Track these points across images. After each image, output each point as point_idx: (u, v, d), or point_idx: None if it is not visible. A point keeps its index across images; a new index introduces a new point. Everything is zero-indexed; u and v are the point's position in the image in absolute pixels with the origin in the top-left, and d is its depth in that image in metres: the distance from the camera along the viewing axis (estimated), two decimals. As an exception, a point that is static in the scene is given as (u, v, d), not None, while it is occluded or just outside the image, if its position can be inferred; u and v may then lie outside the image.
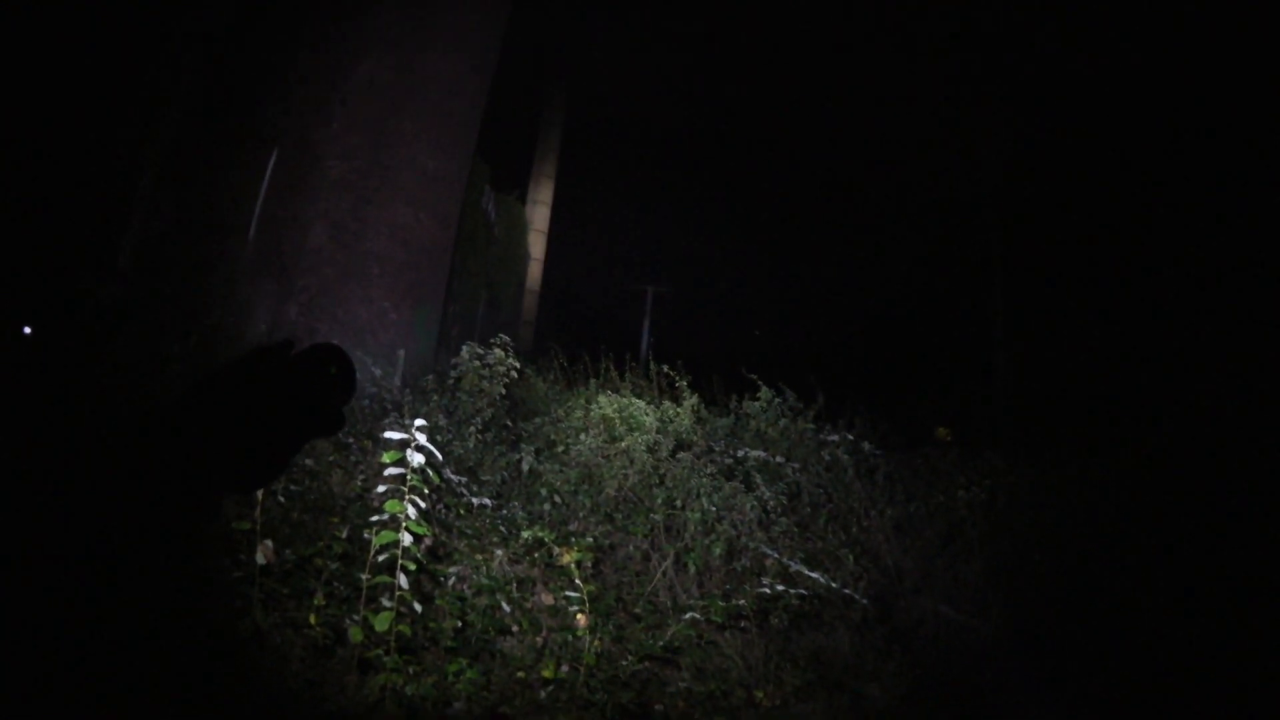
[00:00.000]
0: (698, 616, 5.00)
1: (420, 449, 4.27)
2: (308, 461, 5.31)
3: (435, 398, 6.98)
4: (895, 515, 6.27)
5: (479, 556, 5.12)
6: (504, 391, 7.13)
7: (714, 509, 5.94)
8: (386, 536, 4.04)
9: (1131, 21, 14.72)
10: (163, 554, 1.04)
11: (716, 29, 18.36)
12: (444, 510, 5.54)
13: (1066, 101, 16.29)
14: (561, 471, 6.33)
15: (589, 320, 19.99)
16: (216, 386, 1.11)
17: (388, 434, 4.41)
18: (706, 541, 5.79)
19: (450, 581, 4.85)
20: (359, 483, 5.44)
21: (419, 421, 4.38)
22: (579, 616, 4.38)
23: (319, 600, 4.11)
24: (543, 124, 18.74)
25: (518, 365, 7.31)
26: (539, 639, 4.66)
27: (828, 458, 6.77)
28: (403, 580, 4.03)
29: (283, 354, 1.17)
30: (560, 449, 6.64)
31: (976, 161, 17.88)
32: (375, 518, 4.19)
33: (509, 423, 7.26)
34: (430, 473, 4.38)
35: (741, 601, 5.17)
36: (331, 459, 5.58)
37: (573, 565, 4.63)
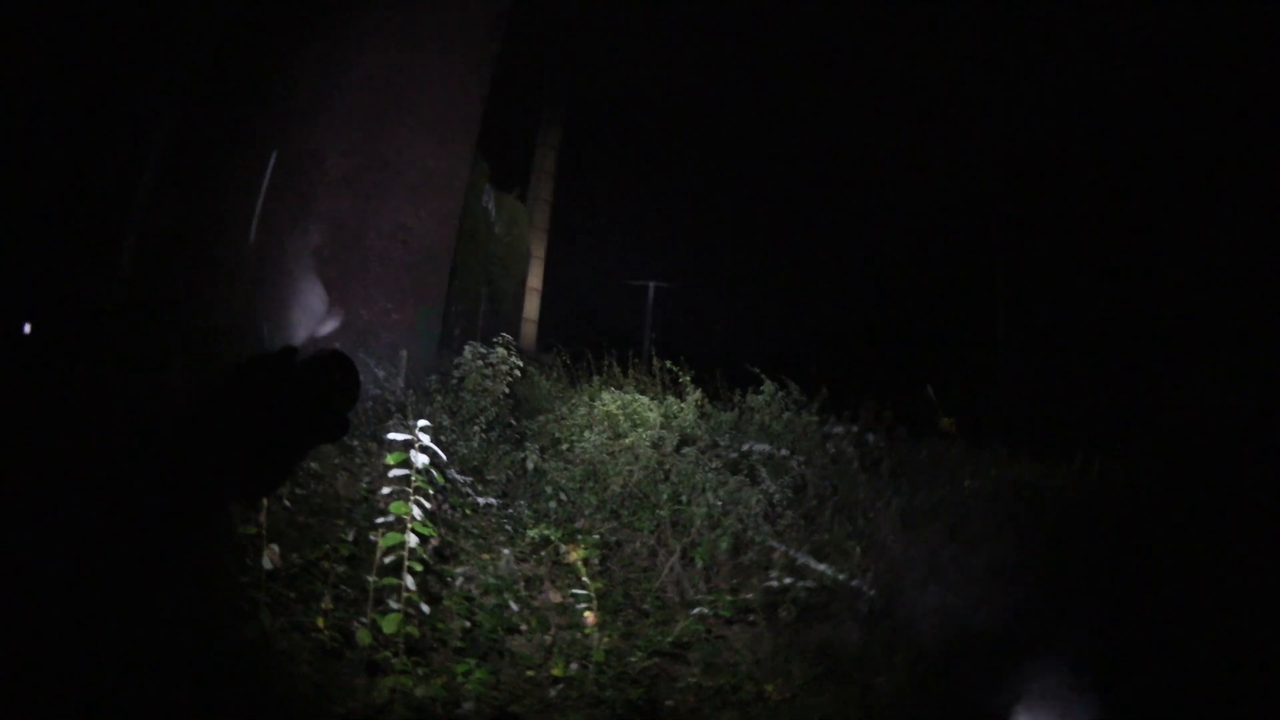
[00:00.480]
0: (706, 611, 4.99)
1: (424, 449, 4.27)
2: (312, 464, 5.31)
3: (439, 398, 6.97)
4: (901, 507, 6.26)
5: (485, 556, 5.12)
6: (507, 390, 7.13)
7: (720, 503, 5.93)
8: (393, 538, 4.04)
9: (1131, 11, 14.69)
10: (171, 560, 1.03)
11: (718, 23, 18.31)
12: (449, 510, 5.53)
13: (1069, 93, 16.25)
14: (566, 469, 6.32)
15: (591, 317, 19.96)
16: (222, 394, 1.10)
17: (392, 435, 4.41)
18: (713, 536, 5.78)
19: (457, 582, 4.85)
20: (364, 485, 5.43)
21: (422, 422, 4.37)
22: (587, 614, 4.38)
23: (326, 603, 4.11)
24: (543, 120, 18.70)
25: (520, 364, 7.31)
26: (547, 637, 4.66)
27: (832, 450, 6.75)
28: (410, 582, 4.02)
29: (287, 360, 1.16)
30: (565, 447, 6.64)
31: (979, 153, 17.85)
32: (381, 520, 4.18)
33: (513, 421, 7.25)
34: (435, 473, 4.38)
35: (749, 595, 5.17)
36: (336, 461, 5.58)
37: (580, 563, 4.63)
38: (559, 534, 5.22)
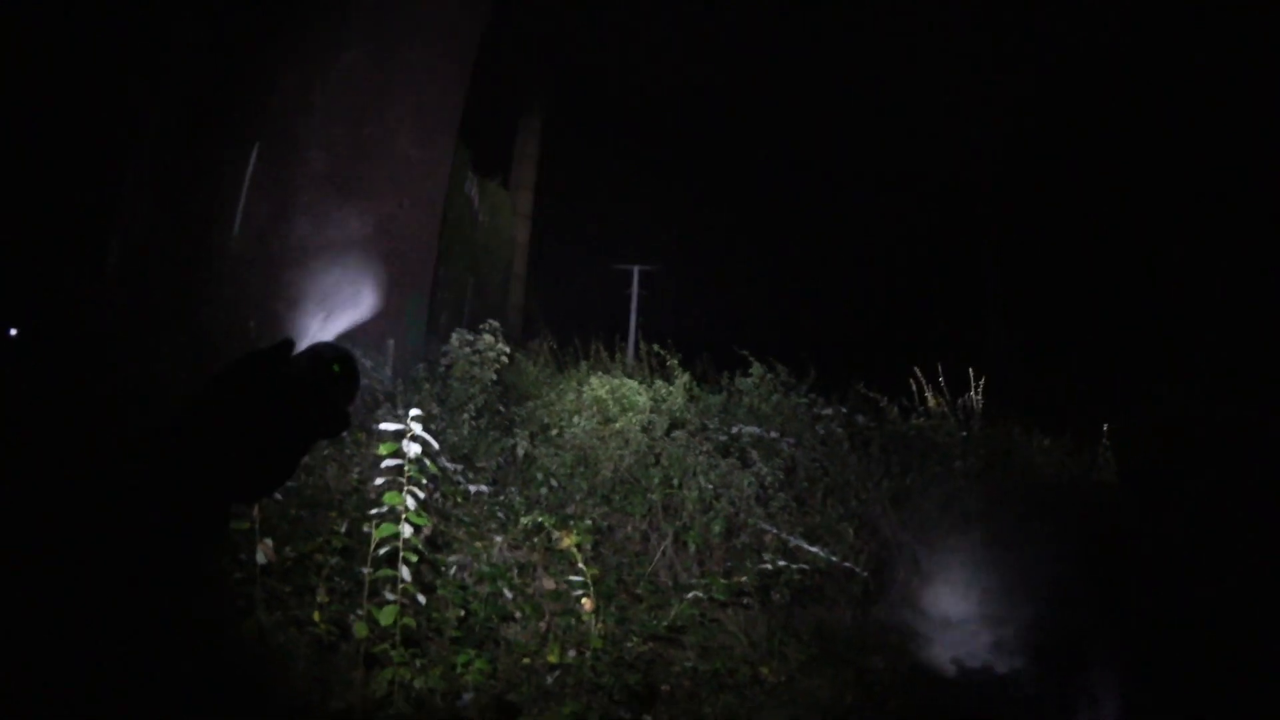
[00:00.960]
0: (700, 595, 5.00)
1: (416, 439, 4.24)
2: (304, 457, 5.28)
3: (427, 386, 6.94)
4: (892, 487, 6.28)
5: (479, 544, 5.11)
6: (495, 377, 7.10)
7: (711, 487, 5.93)
8: (387, 529, 4.02)
9: (1130, 10, 14.74)
10: (168, 562, 1.02)
11: (703, 4, 18.19)
12: (441, 499, 5.52)
13: (1061, 82, 16.29)
14: (557, 455, 6.31)
15: (576, 303, 19.91)
16: (217, 393, 1.09)
17: (383, 425, 4.38)
18: (705, 519, 5.79)
19: (451, 571, 4.84)
20: (355, 475, 5.41)
21: (414, 411, 4.34)
22: (585, 601, 4.37)
23: (321, 597, 4.10)
24: (525, 107, 18.62)
25: (508, 350, 7.28)
26: (542, 624, 4.66)
27: (822, 431, 6.77)
28: (405, 573, 4.00)
29: (282, 355, 1.14)
30: (554, 432, 6.62)
31: (971, 137, 17.87)
32: (374, 510, 4.16)
33: (502, 408, 7.23)
34: (427, 462, 4.36)
35: (743, 578, 5.17)
36: (326, 453, 5.55)
37: (574, 548, 4.61)
38: (551, 520, 5.20)
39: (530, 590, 4.98)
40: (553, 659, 4.26)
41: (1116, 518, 5.75)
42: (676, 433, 6.44)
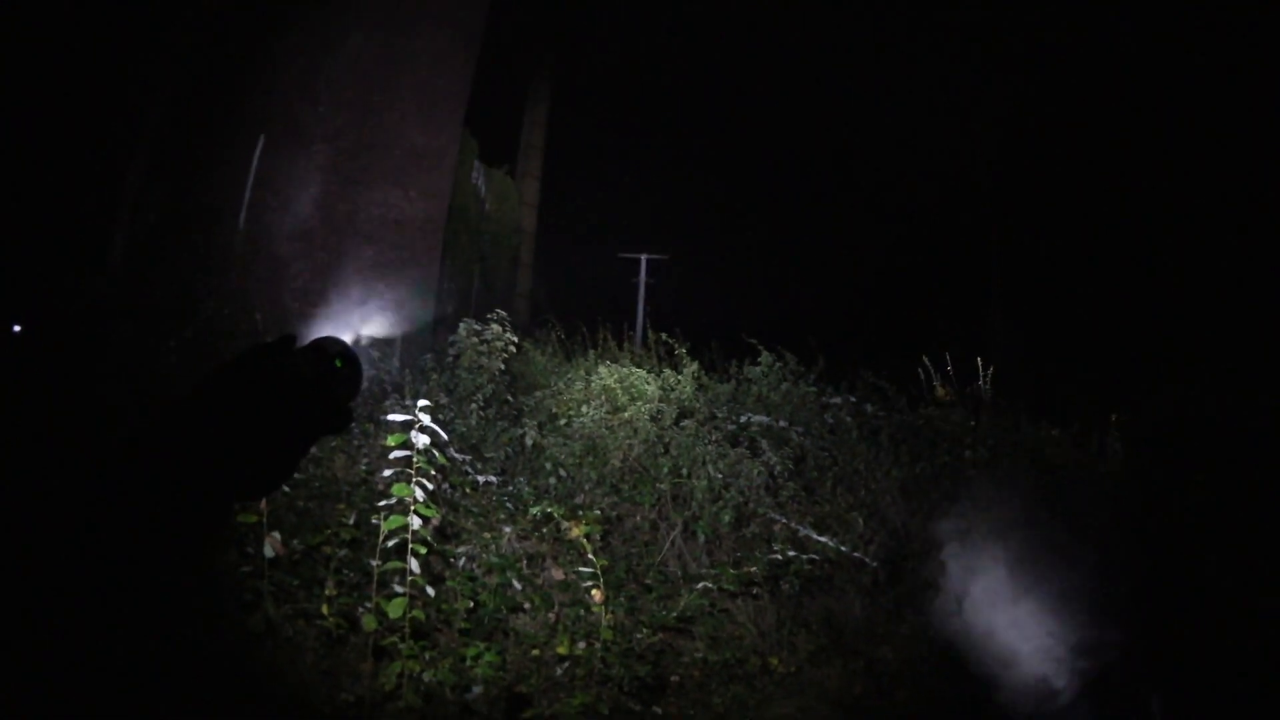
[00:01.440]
0: (709, 585, 4.98)
1: (424, 429, 4.22)
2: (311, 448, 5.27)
3: (434, 376, 6.92)
4: (901, 477, 6.25)
5: (487, 535, 5.10)
6: (503, 366, 7.08)
7: (720, 476, 5.91)
8: (395, 521, 4.00)
9: (1129, 10, 14.68)
10: (173, 558, 1.01)
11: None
12: (450, 490, 5.50)
13: (1063, 71, 16.21)
14: (565, 444, 6.29)
15: (584, 291, 19.89)
16: (220, 389, 1.07)
17: (391, 416, 4.37)
18: (714, 509, 5.76)
19: (460, 562, 4.83)
20: (363, 467, 5.40)
21: (422, 402, 4.33)
22: (595, 592, 4.35)
23: (330, 589, 4.09)
24: (531, 95, 18.55)
25: (515, 339, 7.26)
26: (551, 615, 4.65)
27: (831, 420, 6.74)
28: (414, 565, 3.99)
29: (285, 350, 1.12)
30: (563, 422, 6.59)
31: (975, 125, 17.80)
32: (382, 502, 4.15)
33: (510, 398, 7.20)
34: (436, 453, 4.34)
35: (752, 568, 5.15)
36: (333, 444, 5.54)
37: (583, 539, 4.59)
38: (560, 510, 5.18)
39: (539, 581, 4.97)
40: (562, 650, 4.26)
41: (1126, 507, 5.72)
42: (685, 422, 6.41)
